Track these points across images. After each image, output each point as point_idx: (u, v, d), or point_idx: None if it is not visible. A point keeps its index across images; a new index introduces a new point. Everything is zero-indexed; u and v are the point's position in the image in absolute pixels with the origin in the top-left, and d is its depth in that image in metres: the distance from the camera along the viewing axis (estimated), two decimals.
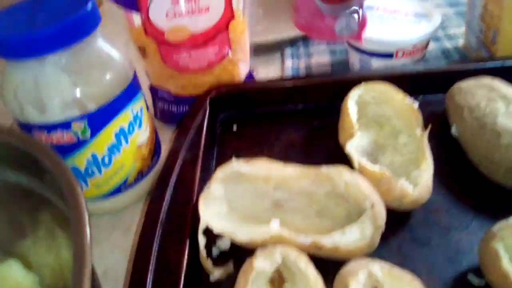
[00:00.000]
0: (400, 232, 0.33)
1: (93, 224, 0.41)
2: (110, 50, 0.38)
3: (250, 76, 0.54)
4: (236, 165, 0.33)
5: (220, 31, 0.48)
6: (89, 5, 0.35)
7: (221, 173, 0.33)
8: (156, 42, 0.47)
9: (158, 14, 0.45)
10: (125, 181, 0.41)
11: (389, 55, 0.51)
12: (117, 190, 0.41)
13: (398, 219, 0.33)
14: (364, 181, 0.32)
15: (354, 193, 0.31)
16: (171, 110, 0.52)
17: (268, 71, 0.59)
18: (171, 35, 0.47)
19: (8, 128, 0.34)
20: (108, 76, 0.37)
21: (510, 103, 0.35)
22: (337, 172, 0.32)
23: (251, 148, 0.41)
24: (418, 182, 0.32)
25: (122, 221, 0.42)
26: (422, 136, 0.35)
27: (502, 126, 0.33)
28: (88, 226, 0.24)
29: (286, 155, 0.40)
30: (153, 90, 0.53)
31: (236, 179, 0.34)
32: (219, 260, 0.32)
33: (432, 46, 0.59)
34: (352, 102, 0.39)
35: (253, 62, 0.55)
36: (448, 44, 0.60)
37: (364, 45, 0.51)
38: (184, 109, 0.51)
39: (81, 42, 0.35)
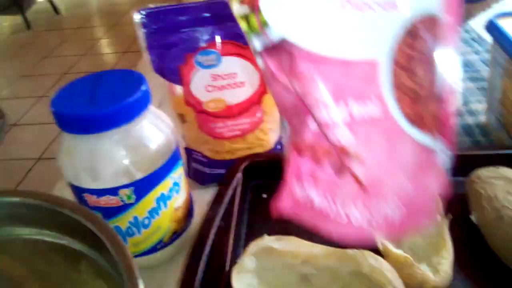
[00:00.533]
0: None
1: None
2: (158, 123, 0.43)
3: (279, 143, 0.58)
4: (268, 241, 0.36)
5: (254, 104, 0.52)
6: (144, 87, 0.40)
7: (253, 247, 0.36)
8: (195, 111, 0.52)
9: (198, 87, 0.50)
10: (161, 241, 0.44)
11: None
12: (153, 249, 0.44)
13: None
14: (387, 267, 0.34)
15: (378, 277, 0.34)
16: (203, 171, 0.56)
17: None
18: (209, 106, 0.51)
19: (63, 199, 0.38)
20: (155, 149, 0.41)
21: None
22: (362, 255, 0.34)
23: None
24: (439, 269, 0.34)
25: (155, 278, 0.44)
26: (442, 223, 0.38)
27: None
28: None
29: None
30: (188, 151, 0.57)
31: (267, 253, 0.37)
32: None
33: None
34: None
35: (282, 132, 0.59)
36: (470, 120, 0.63)
37: None
38: (216, 172, 0.55)
39: (134, 120, 0.39)
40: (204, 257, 0.37)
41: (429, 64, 0.30)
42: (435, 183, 0.31)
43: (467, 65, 0.77)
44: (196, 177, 0.57)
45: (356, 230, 0.29)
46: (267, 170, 0.50)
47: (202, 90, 0.50)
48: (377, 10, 0.28)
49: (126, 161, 0.39)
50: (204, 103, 0.51)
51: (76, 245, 0.33)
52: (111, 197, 0.40)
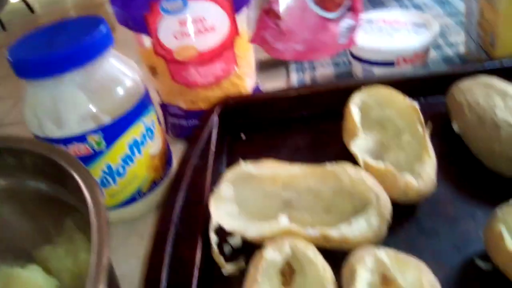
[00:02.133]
0: (407, 224, 0.34)
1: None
2: (122, 68, 0.41)
3: (256, 89, 0.56)
4: (244, 167, 0.35)
5: (226, 48, 0.50)
6: (102, 27, 0.38)
7: (230, 175, 0.35)
8: (166, 61, 0.50)
9: (167, 36, 0.48)
10: (139, 191, 0.43)
11: (390, 63, 0.52)
12: (132, 199, 0.43)
13: (404, 212, 0.34)
14: (367, 176, 0.33)
15: (359, 187, 0.32)
16: (181, 124, 0.54)
17: (274, 85, 0.61)
18: (180, 54, 0.49)
19: (31, 138, 0.36)
20: (120, 92, 0.39)
21: (507, 98, 0.36)
22: (342, 169, 0.33)
23: (259, 154, 0.42)
24: (422, 176, 0.33)
25: (137, 229, 0.43)
26: (423, 133, 0.36)
27: (501, 119, 0.34)
28: (107, 224, 0.25)
29: (292, 159, 0.41)
30: (164, 106, 0.55)
31: (245, 181, 0.35)
32: (232, 257, 0.33)
33: (433, 54, 0.61)
34: (354, 105, 0.40)
35: (259, 78, 0.57)
36: (449, 51, 0.62)
37: (366, 55, 0.53)
38: (194, 123, 0.53)
39: (95, 61, 0.38)
40: (181, 193, 0.36)
41: None
42: (330, 38, 0.51)
43: (445, 2, 0.76)
44: (175, 131, 0.56)
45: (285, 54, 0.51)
46: (243, 112, 0.48)
47: (170, 38, 0.48)
48: None
49: (90, 105, 0.38)
50: (174, 51, 0.49)
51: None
52: (80, 144, 0.38)
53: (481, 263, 0.29)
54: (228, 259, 0.33)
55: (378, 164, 0.35)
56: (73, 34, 0.39)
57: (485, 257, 0.29)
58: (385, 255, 0.27)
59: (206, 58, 0.50)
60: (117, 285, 0.29)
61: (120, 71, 0.40)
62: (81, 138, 0.38)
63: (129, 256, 0.40)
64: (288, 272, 0.29)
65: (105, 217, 0.26)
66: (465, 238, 0.32)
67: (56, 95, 0.37)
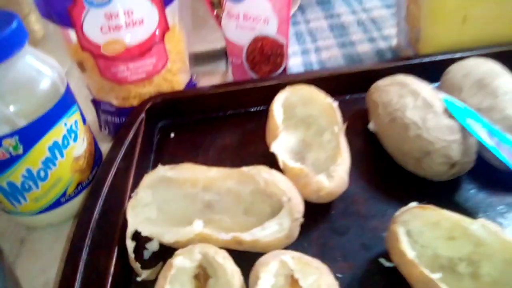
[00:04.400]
0: (320, 224, 0.35)
1: (35, 238, 0.43)
2: (39, 66, 0.39)
3: (191, 85, 0.56)
4: (162, 171, 0.35)
5: (156, 42, 0.49)
6: (14, 25, 0.36)
7: (148, 179, 0.35)
8: (93, 57, 0.48)
9: (92, 29, 0.46)
10: (64, 193, 0.42)
11: None
12: (57, 203, 0.42)
13: (319, 212, 0.35)
14: (281, 178, 0.34)
15: (273, 190, 0.33)
16: (114, 122, 0.53)
17: (213, 80, 0.60)
18: (107, 49, 0.48)
19: None
20: (37, 92, 0.38)
21: (419, 97, 0.37)
22: (257, 171, 0.34)
23: (187, 153, 0.43)
24: (333, 176, 0.34)
25: (64, 233, 0.42)
26: (339, 133, 0.37)
27: (410, 119, 0.36)
28: None
29: (220, 159, 0.42)
30: (96, 103, 0.54)
31: (165, 184, 0.35)
32: (152, 262, 0.34)
33: (367, 47, 0.63)
34: (278, 105, 0.41)
35: (196, 72, 0.57)
36: (382, 44, 0.63)
37: None
38: None
39: (7, 61, 0.36)
40: (101, 199, 0.35)
41: None
42: None
43: None
44: (108, 128, 0.55)
45: None
46: (172, 110, 0.48)
47: (96, 32, 0.47)
48: None
49: (3, 107, 0.36)
50: (101, 46, 0.48)
51: None
52: None
53: (384, 262, 0.31)
54: (148, 263, 0.33)
55: (293, 165, 0.36)
56: None
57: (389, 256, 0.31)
58: (290, 258, 0.28)
59: (135, 53, 0.49)
60: None
61: (36, 70, 0.39)
62: None
63: (56, 261, 0.40)
64: (203, 277, 0.30)
65: None
66: (374, 236, 0.33)
67: None
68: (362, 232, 0.34)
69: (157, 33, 0.49)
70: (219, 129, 0.46)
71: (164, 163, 0.38)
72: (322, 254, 0.32)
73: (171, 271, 0.28)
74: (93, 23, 0.46)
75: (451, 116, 0.35)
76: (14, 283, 0.25)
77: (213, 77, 0.61)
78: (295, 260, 0.28)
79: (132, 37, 0.48)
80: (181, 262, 0.28)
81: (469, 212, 0.34)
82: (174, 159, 0.42)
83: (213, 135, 0.46)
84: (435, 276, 0.26)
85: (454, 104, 0.36)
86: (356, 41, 0.64)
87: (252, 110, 0.47)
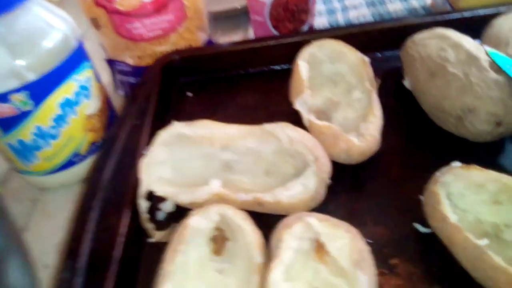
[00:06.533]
0: (349, 186, 0.32)
1: (48, 199, 0.41)
2: (49, 18, 0.37)
3: (210, 43, 0.53)
4: (178, 127, 0.32)
5: None
6: None
7: (163, 136, 0.32)
8: (107, 12, 0.46)
9: None
10: (77, 153, 0.40)
11: None
12: (70, 163, 0.40)
13: (348, 173, 0.33)
14: (307, 136, 0.31)
15: (299, 148, 0.30)
16: (130, 81, 0.51)
17: (232, 39, 0.57)
18: (122, 4, 0.45)
19: None
20: (46, 45, 0.35)
21: (461, 50, 0.33)
22: (281, 129, 0.31)
23: (205, 112, 0.40)
24: (365, 135, 0.31)
25: (77, 195, 0.41)
26: (371, 91, 0.34)
27: (451, 73, 0.32)
28: None
29: (240, 118, 0.39)
30: (111, 62, 0.52)
31: (181, 142, 0.33)
32: (166, 223, 0.31)
33: (399, 5, 0.58)
34: (302, 61, 0.38)
35: (215, 31, 0.54)
36: (415, 3, 0.58)
37: None
38: None
39: (15, 11, 0.34)
40: (113, 156, 0.33)
41: None
42: None
43: None
44: (124, 88, 0.52)
45: None
46: (190, 68, 0.45)
47: None
48: None
49: (11, 60, 0.34)
50: (115, 0, 0.45)
51: None
52: (3, 105, 0.35)
53: (419, 227, 0.28)
54: (162, 224, 0.31)
55: (320, 123, 0.32)
56: None
57: (424, 220, 0.28)
58: (316, 220, 0.25)
59: (151, 9, 0.46)
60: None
61: (46, 22, 0.37)
62: (3, 98, 0.35)
63: (68, 222, 0.38)
64: (220, 239, 0.28)
65: None
66: (407, 200, 0.30)
67: None
68: (395, 196, 0.31)
69: None
70: (240, 88, 0.43)
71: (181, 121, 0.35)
72: (351, 219, 0.29)
73: (186, 232, 0.26)
74: None
75: (498, 70, 0.32)
76: (16, 241, 0.24)
77: (233, 36, 0.58)
78: (322, 223, 0.25)
79: None
80: (197, 222, 0.26)
81: None
82: (191, 117, 0.39)
83: (233, 94, 0.43)
84: (482, 242, 0.23)
85: (502, 57, 0.32)
86: None
87: (275, 68, 0.44)
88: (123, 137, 0.35)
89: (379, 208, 0.30)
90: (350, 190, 0.32)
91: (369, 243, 0.27)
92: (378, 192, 0.31)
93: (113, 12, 0.46)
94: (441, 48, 0.34)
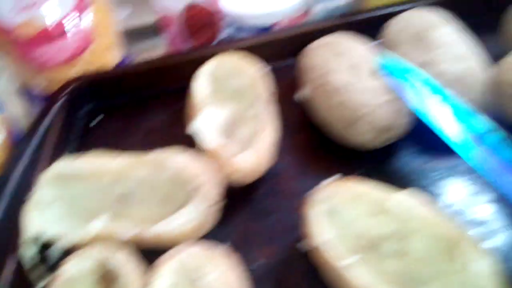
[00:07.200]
0: (243, 206, 0.32)
1: None
2: None
3: (123, 63, 0.51)
4: (62, 165, 0.31)
5: (76, 18, 0.45)
6: None
7: (46, 176, 0.31)
8: (9, 41, 0.44)
9: (3, 9, 0.42)
10: None
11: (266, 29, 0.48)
12: None
13: (242, 193, 0.32)
14: (194, 161, 0.30)
15: (186, 175, 0.30)
16: None
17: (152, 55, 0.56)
18: (22, 31, 0.44)
19: None
20: None
21: (344, 59, 0.33)
22: (167, 156, 0.30)
23: (115, 139, 0.40)
24: (258, 151, 0.31)
25: None
26: (267, 104, 0.34)
27: (333, 84, 0.32)
28: None
29: (146, 144, 0.38)
30: (24, 92, 0.50)
31: (73, 179, 0.32)
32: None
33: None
34: (200, 80, 0.37)
35: (132, 48, 0.53)
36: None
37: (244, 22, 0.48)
38: None
39: None
40: (4, 198, 0.32)
41: None
42: None
43: None
44: None
45: None
46: (99, 91, 0.44)
47: (8, 12, 0.43)
48: None
49: None
50: (15, 28, 0.43)
51: None
52: None
53: (301, 246, 0.28)
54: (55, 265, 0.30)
55: (209, 145, 0.32)
56: None
57: None
58: (189, 255, 0.25)
59: (53, 33, 0.45)
60: None
61: None
62: None
63: None
64: (109, 279, 0.27)
65: None
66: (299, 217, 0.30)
67: None
68: (288, 212, 0.31)
69: (77, 8, 0.45)
70: (147, 110, 0.42)
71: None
72: (245, 240, 0.29)
73: (63, 278, 0.25)
74: (3, 3, 0.42)
75: (380, 77, 0.32)
76: None
77: (157, 51, 0.57)
78: (192, 257, 0.25)
79: (49, 15, 0.44)
80: (72, 268, 0.25)
81: (403, 182, 0.30)
82: (100, 146, 0.38)
83: (141, 117, 0.42)
84: (347, 261, 0.23)
85: (389, 63, 0.32)
86: None
87: (181, 86, 0.43)
88: (15, 179, 0.34)
89: (272, 227, 0.30)
90: (244, 211, 0.32)
91: (258, 266, 0.27)
92: (273, 210, 0.31)
93: (14, 40, 0.44)
94: (326, 57, 0.34)
